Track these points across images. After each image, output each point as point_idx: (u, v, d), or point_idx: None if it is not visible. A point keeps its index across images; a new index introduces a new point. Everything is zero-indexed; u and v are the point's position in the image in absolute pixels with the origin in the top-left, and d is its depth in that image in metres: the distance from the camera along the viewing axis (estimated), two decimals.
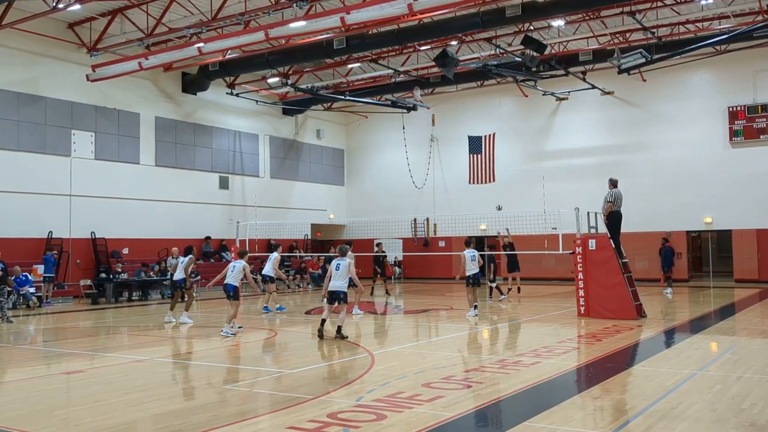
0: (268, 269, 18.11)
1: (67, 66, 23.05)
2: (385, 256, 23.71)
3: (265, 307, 17.67)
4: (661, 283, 22.91)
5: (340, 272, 11.99)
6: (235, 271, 13.05)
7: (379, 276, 22.85)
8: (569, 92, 28.42)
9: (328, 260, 20.97)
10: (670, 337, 12.40)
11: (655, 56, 19.85)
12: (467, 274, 15.61)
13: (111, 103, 24.54)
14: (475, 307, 15.73)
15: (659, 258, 22.74)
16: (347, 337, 11.93)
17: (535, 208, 22.74)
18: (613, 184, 15.35)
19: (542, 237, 21.51)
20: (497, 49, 23.86)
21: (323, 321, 12.17)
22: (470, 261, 15.63)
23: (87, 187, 23.45)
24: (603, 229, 15.41)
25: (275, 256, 18.16)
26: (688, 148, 27.06)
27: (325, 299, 12.38)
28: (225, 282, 13.27)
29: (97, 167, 23.95)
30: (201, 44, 20.99)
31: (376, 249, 23.16)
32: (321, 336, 11.94)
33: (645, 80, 27.81)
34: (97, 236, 23.55)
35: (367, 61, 26.53)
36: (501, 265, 22.40)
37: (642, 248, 25.27)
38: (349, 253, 13.62)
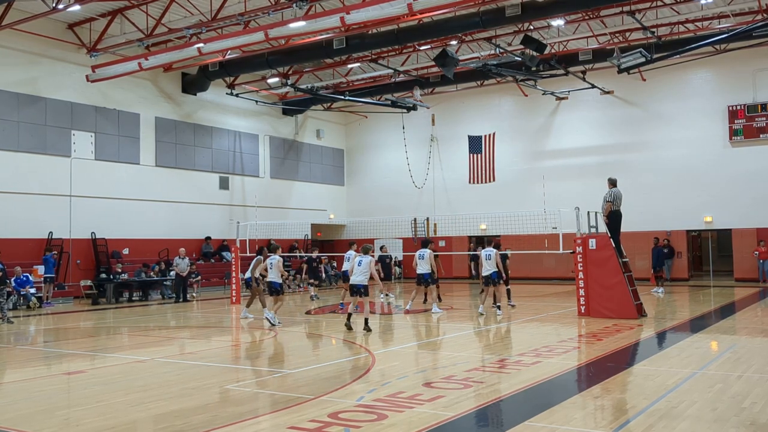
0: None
1: (66, 66, 23.04)
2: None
3: None
4: (651, 281, 22.90)
5: (362, 268, 13.15)
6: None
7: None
8: (569, 92, 28.42)
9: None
10: (670, 336, 12.40)
11: (655, 56, 19.82)
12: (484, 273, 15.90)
13: (111, 103, 24.53)
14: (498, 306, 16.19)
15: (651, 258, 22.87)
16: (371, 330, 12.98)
17: (535, 207, 22.75)
18: (613, 183, 15.36)
19: (542, 236, 21.51)
20: (497, 49, 23.86)
21: (349, 315, 13.34)
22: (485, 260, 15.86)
23: (87, 187, 23.45)
24: (603, 228, 15.42)
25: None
26: (688, 148, 27.06)
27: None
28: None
29: (97, 167, 23.94)
30: (201, 44, 20.99)
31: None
32: (349, 328, 13.02)
33: (645, 80, 27.81)
34: (97, 236, 23.54)
35: (367, 61, 26.52)
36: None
37: (642, 248, 25.24)
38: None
